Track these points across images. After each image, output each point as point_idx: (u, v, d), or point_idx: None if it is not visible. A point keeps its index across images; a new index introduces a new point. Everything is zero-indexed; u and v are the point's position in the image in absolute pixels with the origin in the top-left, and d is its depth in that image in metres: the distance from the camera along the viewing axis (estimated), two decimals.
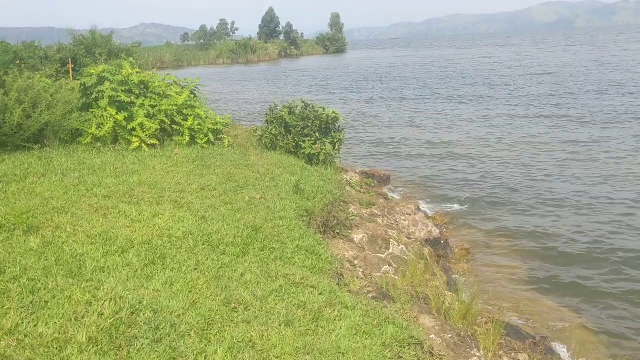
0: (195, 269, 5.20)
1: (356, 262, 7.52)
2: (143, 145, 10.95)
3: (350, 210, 9.73)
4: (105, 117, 11.12)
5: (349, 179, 13.04)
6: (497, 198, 13.91)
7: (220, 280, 5.00)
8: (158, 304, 4.47)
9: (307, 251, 5.96)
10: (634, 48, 66.85)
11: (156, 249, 5.60)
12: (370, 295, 5.84)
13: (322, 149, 11.97)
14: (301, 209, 7.47)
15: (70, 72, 21.65)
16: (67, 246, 5.50)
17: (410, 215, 11.08)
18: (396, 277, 7.32)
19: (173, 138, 11.57)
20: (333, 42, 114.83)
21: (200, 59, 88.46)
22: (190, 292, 4.74)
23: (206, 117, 12.05)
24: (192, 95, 12.58)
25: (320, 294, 4.90)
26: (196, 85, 13.12)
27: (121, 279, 4.89)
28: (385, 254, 8.84)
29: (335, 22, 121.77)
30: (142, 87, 11.86)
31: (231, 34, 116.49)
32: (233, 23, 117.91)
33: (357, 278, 6.37)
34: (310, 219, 7.51)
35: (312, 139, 12.26)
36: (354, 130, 22.80)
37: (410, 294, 6.73)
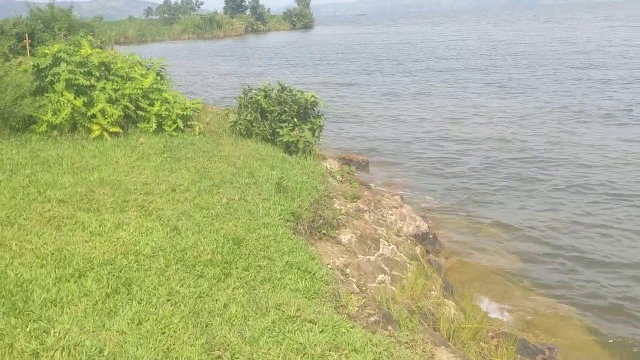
0: (169, 299, 4.31)
1: (348, 270, 6.72)
2: (105, 133, 9.89)
3: (335, 205, 8.91)
4: (61, 103, 9.99)
5: (329, 168, 12.20)
6: (483, 185, 13.26)
7: (200, 315, 4.12)
8: (123, 352, 3.59)
9: (299, 269, 5.12)
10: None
11: (120, 272, 4.69)
12: (372, 319, 5.05)
13: (300, 137, 11.08)
14: (286, 212, 6.59)
15: (28, 47, 20.23)
16: (12, 270, 4.56)
17: (396, 208, 10.32)
18: (394, 288, 6.55)
19: (138, 125, 10.52)
20: (300, 18, 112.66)
21: (165, 34, 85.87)
22: (163, 333, 3.86)
23: (174, 102, 11.01)
24: (159, 78, 11.50)
25: (321, 331, 4.07)
26: (162, 66, 12.05)
27: (77, 316, 3.99)
28: (375, 255, 8.07)
29: None
30: (103, 68, 10.73)
31: (196, 8, 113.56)
32: None
33: (354, 294, 5.55)
34: (297, 223, 6.66)
35: (290, 125, 11.35)
36: (327, 110, 21.83)
37: (412, 309, 5.98)
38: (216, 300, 4.37)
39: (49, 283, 4.40)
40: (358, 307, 5.26)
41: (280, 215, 6.41)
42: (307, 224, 6.87)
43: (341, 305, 5.08)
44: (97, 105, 10.01)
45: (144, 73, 11.27)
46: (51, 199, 6.23)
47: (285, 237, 5.75)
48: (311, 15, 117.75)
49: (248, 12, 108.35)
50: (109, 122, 9.98)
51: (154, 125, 10.43)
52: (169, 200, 6.44)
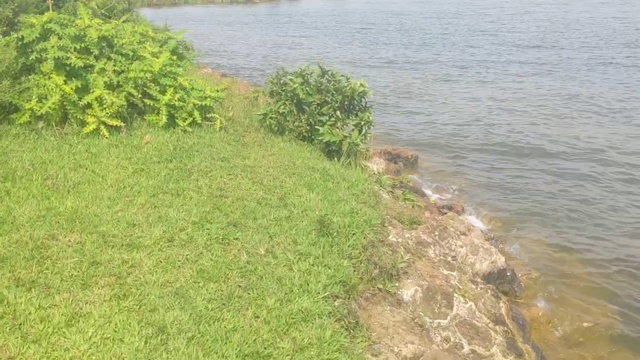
0: None
1: None
2: (102, 127, 7.82)
3: (390, 237, 6.75)
4: (49, 87, 7.96)
5: (376, 171, 10.04)
6: (564, 201, 10.80)
7: None
8: None
9: None
10: None
11: None
12: None
13: (345, 137, 8.90)
14: (334, 282, 4.44)
15: (51, 9, 18.30)
16: None
17: (465, 235, 8.12)
18: None
19: (145, 117, 8.45)
20: None
21: None
22: None
23: (191, 89, 8.87)
24: (174, 57, 9.33)
25: None
26: (179, 42, 9.89)
27: None
28: (448, 318, 5.97)
29: None
30: (104, 44, 8.62)
31: None
32: None
33: None
34: (349, 297, 4.51)
35: (332, 119, 9.16)
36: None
37: None
38: None
39: None
40: None
41: (325, 290, 4.26)
42: (363, 298, 4.72)
43: None
44: (93, 92, 7.95)
45: (155, 51, 9.13)
46: None
47: (336, 346, 3.60)
48: None
49: None
50: (107, 114, 7.91)
51: (164, 119, 8.32)
52: (159, 261, 4.30)
